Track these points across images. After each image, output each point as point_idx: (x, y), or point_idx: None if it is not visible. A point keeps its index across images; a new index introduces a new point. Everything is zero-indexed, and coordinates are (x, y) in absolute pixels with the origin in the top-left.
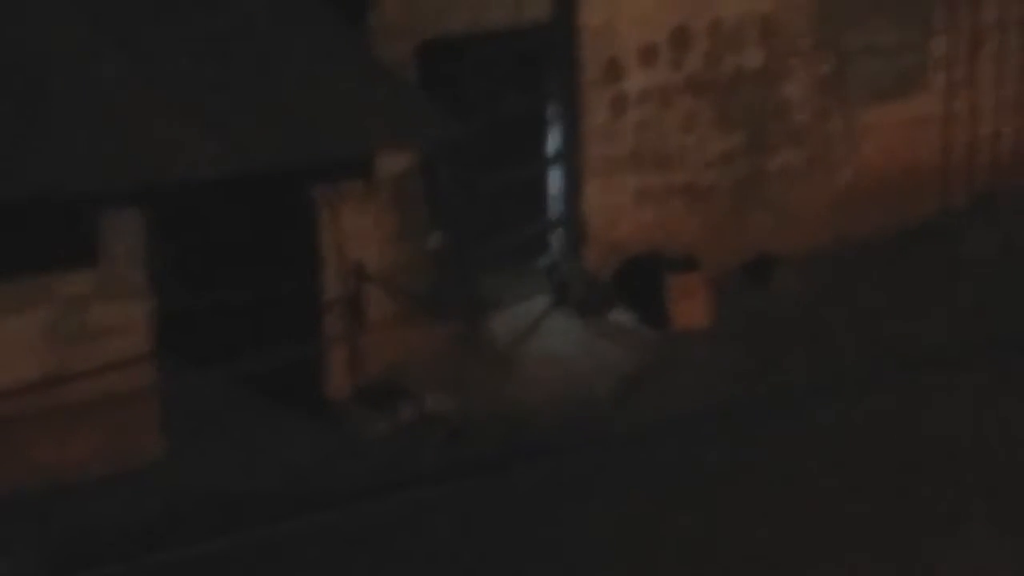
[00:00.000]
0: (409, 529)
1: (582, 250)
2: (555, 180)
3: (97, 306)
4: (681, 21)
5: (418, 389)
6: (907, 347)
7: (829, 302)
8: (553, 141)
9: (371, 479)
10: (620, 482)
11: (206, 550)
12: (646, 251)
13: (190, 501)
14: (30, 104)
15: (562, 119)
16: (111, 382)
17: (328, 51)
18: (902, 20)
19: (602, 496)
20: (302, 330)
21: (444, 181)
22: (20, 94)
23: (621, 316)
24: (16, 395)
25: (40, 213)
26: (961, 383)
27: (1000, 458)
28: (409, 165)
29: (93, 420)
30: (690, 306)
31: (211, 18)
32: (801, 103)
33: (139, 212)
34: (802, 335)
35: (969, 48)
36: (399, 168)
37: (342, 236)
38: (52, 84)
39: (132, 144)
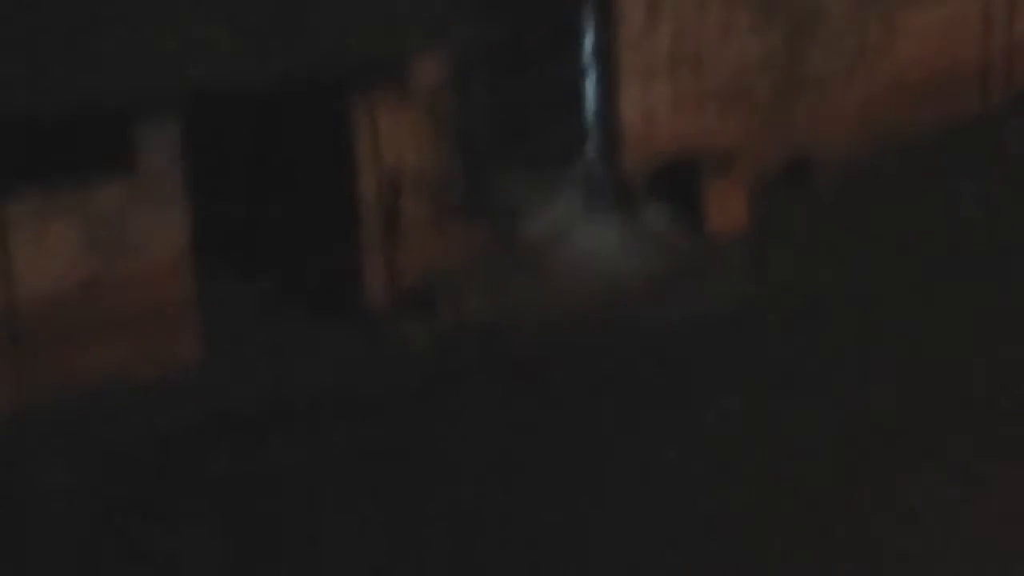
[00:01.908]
0: (447, 432)
1: (618, 153)
2: (591, 84)
3: (135, 215)
4: None
5: (455, 293)
6: (944, 247)
7: (867, 203)
8: (589, 45)
9: (409, 384)
10: (654, 381)
11: (245, 456)
12: (683, 154)
13: (228, 409)
14: (66, 16)
15: (598, 23)
16: (149, 291)
17: None
18: None
19: (636, 396)
20: (339, 237)
21: (479, 86)
22: (56, 6)
23: (657, 218)
24: (58, 303)
25: (78, 122)
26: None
27: None
28: (445, 71)
29: (132, 329)
30: (727, 208)
31: None
32: (839, 3)
33: (176, 121)
34: (839, 237)
35: None
36: (435, 74)
37: (379, 143)
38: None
39: (168, 53)
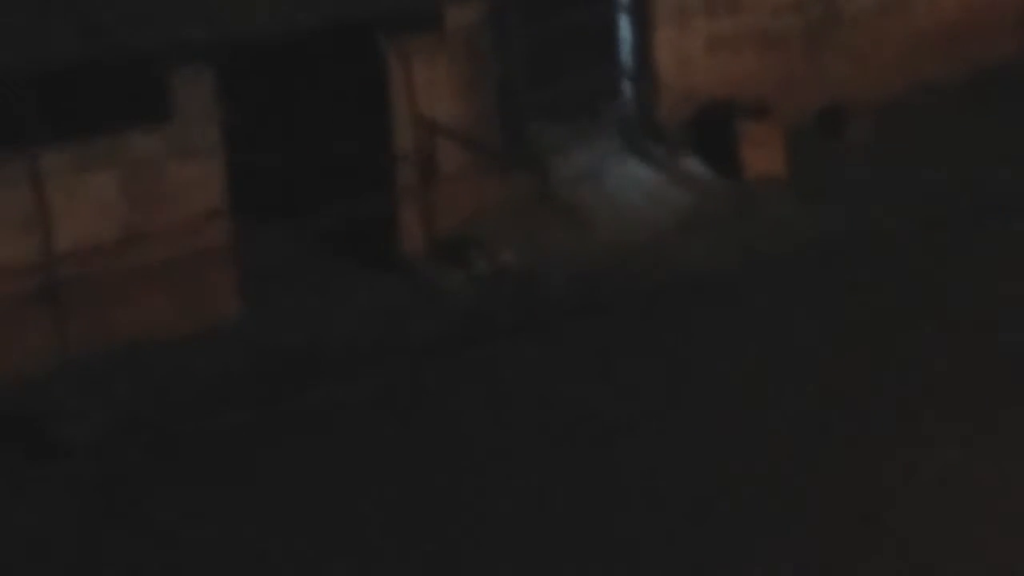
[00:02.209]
0: (483, 380)
1: (654, 98)
2: (626, 27)
3: (171, 164)
4: None
5: (491, 242)
6: (983, 197)
7: (902, 151)
8: None
9: (446, 332)
10: (688, 329)
11: (285, 406)
12: (719, 99)
13: (268, 358)
14: None
15: None
16: (187, 241)
17: None
18: None
19: (669, 345)
20: (375, 185)
21: (514, 30)
22: None
23: (693, 164)
24: (95, 254)
25: (113, 71)
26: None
27: None
28: (479, 16)
29: (170, 279)
30: (763, 154)
31: None
32: None
33: (212, 69)
34: (878, 185)
35: None
36: (469, 19)
37: (413, 89)
38: None
39: (202, 2)
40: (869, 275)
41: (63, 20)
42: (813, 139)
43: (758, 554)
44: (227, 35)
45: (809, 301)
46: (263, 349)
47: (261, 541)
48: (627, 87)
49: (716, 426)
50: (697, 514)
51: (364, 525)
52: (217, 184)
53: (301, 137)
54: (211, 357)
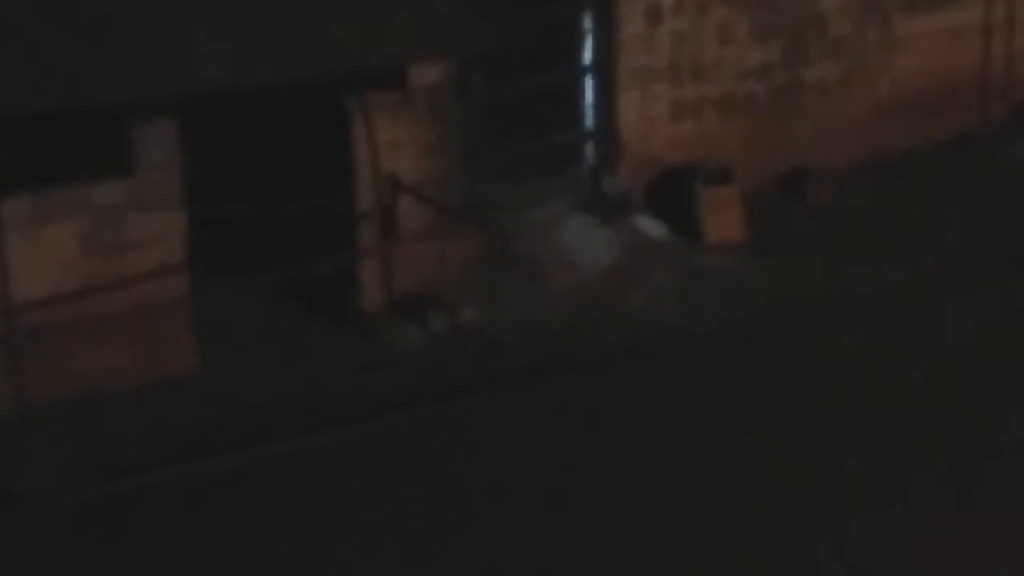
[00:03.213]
0: (442, 440)
1: (616, 160)
2: (590, 89)
3: (132, 216)
4: None
5: (451, 300)
6: (940, 259)
7: (864, 215)
8: (589, 49)
9: (404, 390)
10: (649, 393)
11: (239, 461)
12: (681, 163)
13: (223, 412)
14: (67, 16)
15: (597, 28)
16: (146, 292)
17: None
18: None
19: (632, 407)
20: (336, 241)
21: (478, 89)
22: (58, 7)
23: (653, 226)
24: (53, 305)
25: (75, 122)
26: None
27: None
28: (443, 75)
29: (128, 330)
30: (724, 219)
31: None
32: (838, 13)
33: (174, 122)
34: (836, 249)
35: None
36: (433, 78)
37: (376, 147)
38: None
39: (167, 53)
40: (821, 336)
41: (24, 69)
42: (775, 202)
43: None
44: (191, 88)
45: (758, 361)
46: (220, 402)
47: None
48: (589, 149)
49: (664, 489)
50: None
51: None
52: (178, 237)
53: (263, 192)
54: (168, 409)
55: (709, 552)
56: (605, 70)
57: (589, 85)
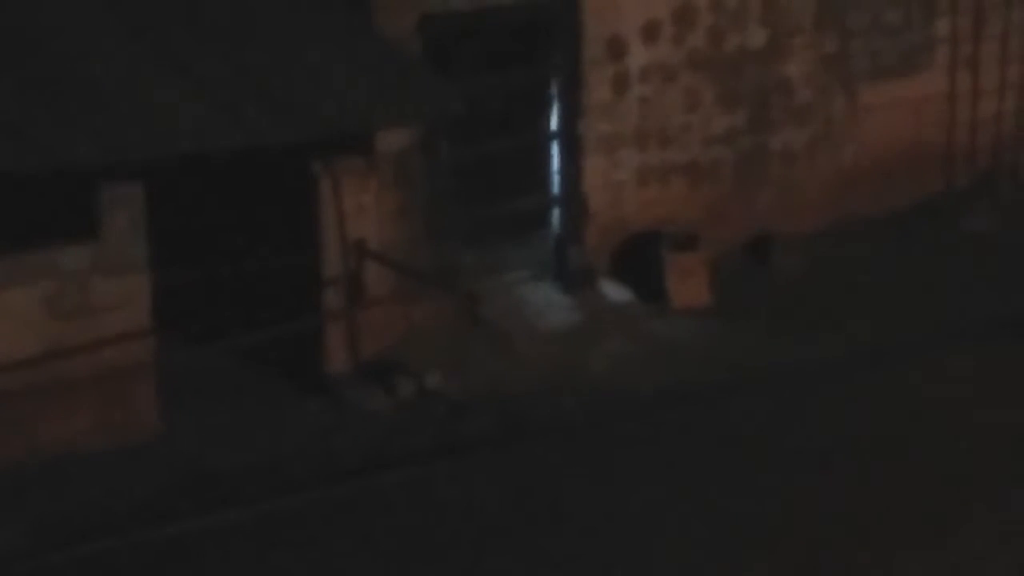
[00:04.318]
0: (408, 504)
1: (582, 226)
2: (555, 157)
3: (97, 280)
4: None
5: (417, 365)
6: (905, 325)
7: (830, 281)
8: (555, 116)
9: (370, 455)
10: (616, 458)
11: (204, 525)
12: (647, 229)
13: (188, 476)
14: (35, 79)
15: (563, 95)
16: (110, 356)
17: (331, 27)
18: None
19: (598, 472)
20: (302, 306)
21: (444, 157)
22: (25, 70)
23: (619, 293)
24: (16, 369)
25: (41, 186)
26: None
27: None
28: (410, 141)
29: (92, 394)
30: (689, 285)
31: (218, 3)
32: (804, 81)
33: (140, 186)
34: (801, 315)
35: (973, 27)
36: (400, 144)
37: (343, 212)
38: (57, 60)
39: (133, 118)
40: (780, 402)
41: None
42: (740, 268)
43: None
44: (157, 153)
45: (722, 427)
46: (183, 467)
47: None
48: (555, 214)
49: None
50: None
51: None
52: (143, 301)
53: (230, 256)
54: (130, 473)
55: None
56: (572, 136)
57: (556, 151)
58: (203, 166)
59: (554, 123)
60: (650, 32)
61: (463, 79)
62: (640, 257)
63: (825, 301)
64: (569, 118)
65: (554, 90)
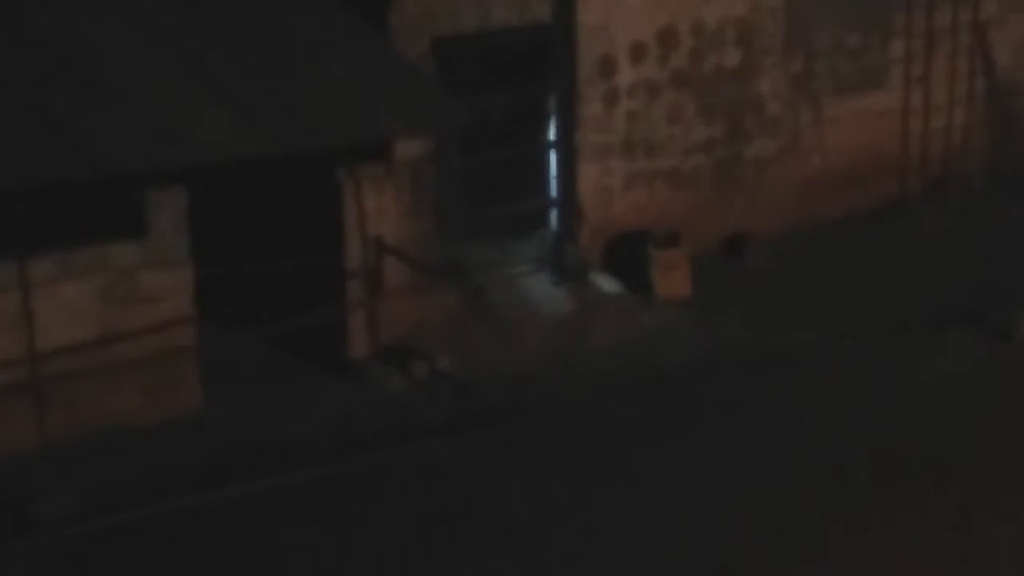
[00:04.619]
0: (422, 474)
1: (577, 225)
2: (554, 163)
3: (145, 273)
4: (667, 22)
5: (430, 349)
6: (864, 315)
7: (797, 276)
8: (553, 128)
9: (388, 430)
10: (602, 430)
11: (241, 492)
12: (634, 228)
13: (226, 449)
14: (90, 95)
15: (560, 109)
16: (157, 342)
17: (353, 48)
18: (865, 23)
19: (592, 444)
20: (327, 296)
21: (454, 163)
22: (81, 87)
23: (609, 284)
24: (73, 353)
25: (94, 190)
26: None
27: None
28: (423, 150)
29: (141, 375)
30: (672, 278)
31: (249, 22)
32: (774, 97)
33: (184, 190)
34: (771, 306)
35: (924, 49)
36: (414, 152)
37: (364, 213)
38: (110, 78)
39: (178, 130)
40: (756, 383)
41: (49, 143)
42: (717, 263)
43: None
44: (198, 160)
45: (701, 404)
46: (222, 440)
47: None
48: (553, 215)
49: (611, 508)
50: None
51: None
52: (186, 292)
53: (263, 252)
54: (175, 446)
55: (646, 547)
56: (567, 145)
57: (553, 159)
58: (240, 172)
59: (552, 134)
60: (637, 53)
61: (470, 95)
62: (628, 253)
63: (793, 294)
64: (565, 130)
65: (552, 105)
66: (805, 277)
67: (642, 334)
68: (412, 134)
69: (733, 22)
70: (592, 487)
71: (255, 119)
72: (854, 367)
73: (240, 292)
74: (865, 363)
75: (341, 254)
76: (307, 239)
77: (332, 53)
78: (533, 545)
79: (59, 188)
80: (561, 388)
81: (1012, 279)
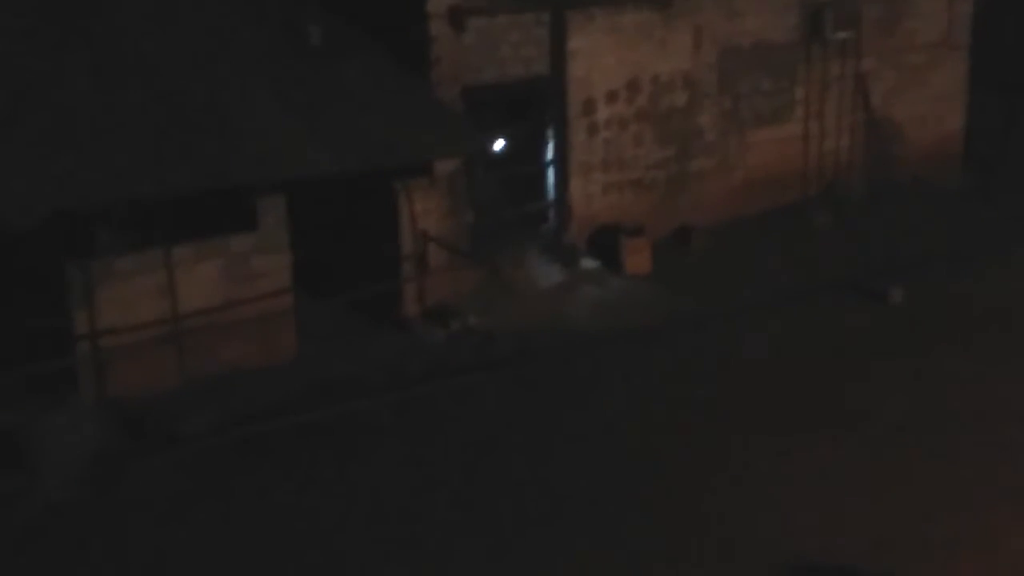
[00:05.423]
0: (457, 403)
1: (568, 221)
2: (551, 176)
3: (256, 257)
4: (633, 74)
5: (463, 310)
6: (775, 285)
7: (728, 257)
8: (549, 152)
9: (432, 370)
10: (589, 370)
11: (324, 416)
12: (610, 222)
13: (313, 384)
14: (215, 127)
15: (555, 137)
16: (264, 307)
17: (405, 95)
18: (776, 73)
19: (589, 382)
20: (387, 273)
21: (479, 177)
22: (209, 122)
23: (591, 263)
24: (204, 315)
25: (221, 196)
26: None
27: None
28: (457, 166)
29: (252, 331)
30: (638, 259)
31: (332, 78)
32: (711, 127)
33: (283, 196)
34: (710, 280)
35: (819, 92)
36: (450, 168)
37: (413, 213)
38: (231, 116)
39: (280, 153)
40: (705, 339)
41: (187, 163)
42: (670, 248)
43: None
44: (296, 175)
45: (665, 353)
46: (310, 378)
47: (318, 509)
48: (551, 214)
49: (590, 433)
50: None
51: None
52: (285, 270)
53: (341, 241)
54: (277, 382)
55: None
56: (561, 163)
57: (551, 173)
58: (324, 184)
59: (550, 155)
60: (611, 96)
61: (491, 127)
62: (605, 241)
63: (725, 271)
64: (560, 152)
65: (549, 134)
66: (733, 257)
67: (614, 301)
68: (448, 155)
69: (681, 74)
70: (577, 409)
71: (335, 146)
72: (768, 325)
73: (324, 270)
74: (776, 321)
75: (397, 242)
76: (372, 232)
77: (390, 98)
78: (537, 447)
79: (194, 195)
80: (555, 340)
81: (884, 260)
